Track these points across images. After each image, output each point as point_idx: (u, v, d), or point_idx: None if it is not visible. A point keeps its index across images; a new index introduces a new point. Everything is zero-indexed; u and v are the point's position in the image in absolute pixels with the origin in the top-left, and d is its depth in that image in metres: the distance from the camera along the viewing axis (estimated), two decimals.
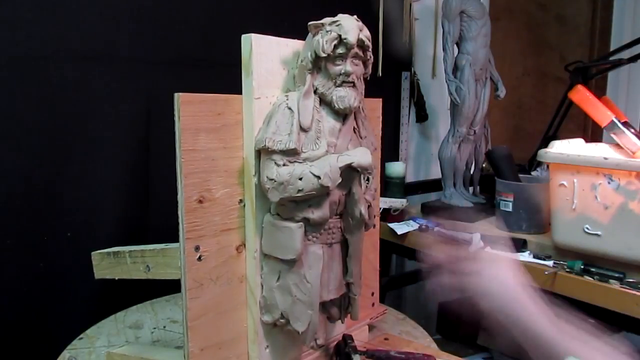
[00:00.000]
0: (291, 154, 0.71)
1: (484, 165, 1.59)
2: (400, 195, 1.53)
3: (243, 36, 0.73)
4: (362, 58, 0.75)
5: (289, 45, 0.78)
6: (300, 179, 0.69)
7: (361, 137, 0.79)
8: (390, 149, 1.87)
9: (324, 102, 0.75)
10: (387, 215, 1.47)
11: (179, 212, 0.70)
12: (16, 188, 1.14)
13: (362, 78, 0.77)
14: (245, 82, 0.74)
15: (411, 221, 1.46)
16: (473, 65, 1.42)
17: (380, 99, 1.00)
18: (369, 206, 0.79)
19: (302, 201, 0.72)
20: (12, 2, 1.10)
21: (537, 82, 2.44)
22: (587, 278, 1.06)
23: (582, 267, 1.07)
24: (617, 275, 1.03)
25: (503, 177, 1.36)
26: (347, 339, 0.88)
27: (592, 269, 1.06)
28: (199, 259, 0.72)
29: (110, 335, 1.04)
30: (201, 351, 0.73)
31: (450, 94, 1.43)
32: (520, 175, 1.40)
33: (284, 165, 0.71)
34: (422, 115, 1.94)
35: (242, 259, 0.78)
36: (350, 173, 0.72)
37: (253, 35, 0.73)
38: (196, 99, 0.70)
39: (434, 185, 1.76)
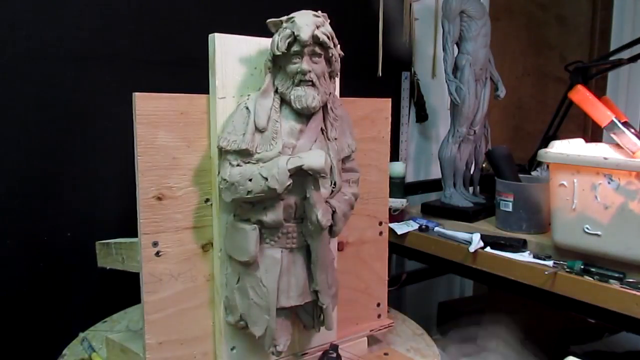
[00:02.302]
0: (244, 154, 0.70)
1: (484, 165, 1.59)
2: (400, 195, 1.53)
3: (209, 36, 0.73)
4: (323, 55, 0.71)
5: (262, 44, 0.77)
6: (250, 180, 0.68)
7: (329, 139, 0.75)
8: (390, 149, 1.87)
9: (285, 101, 0.72)
10: (388, 215, 1.46)
11: (137, 208, 0.71)
12: (16, 188, 1.14)
13: (326, 76, 0.73)
14: (210, 82, 0.74)
15: (411, 221, 1.46)
16: (473, 65, 1.42)
17: (389, 99, 0.98)
18: (334, 212, 0.75)
19: (257, 203, 0.70)
20: (12, 2, 1.10)
21: (537, 82, 2.44)
22: (587, 278, 1.06)
23: (582, 267, 1.07)
24: (617, 275, 1.03)
25: (503, 177, 1.36)
26: (331, 349, 0.85)
27: (592, 269, 1.06)
28: (157, 254, 0.73)
29: (131, 322, 1.05)
30: (159, 344, 0.74)
31: (450, 94, 1.43)
32: (520, 175, 1.40)
33: (237, 165, 0.70)
34: (422, 115, 1.94)
35: (209, 258, 0.78)
36: (304, 176, 0.69)
37: (217, 35, 0.73)
38: (154, 98, 0.71)
39: (434, 185, 1.76)
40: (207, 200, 0.76)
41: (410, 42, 1.85)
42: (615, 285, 1.02)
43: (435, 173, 1.85)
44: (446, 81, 1.44)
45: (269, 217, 0.70)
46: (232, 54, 0.74)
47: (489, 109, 1.52)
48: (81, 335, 1.00)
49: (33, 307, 1.18)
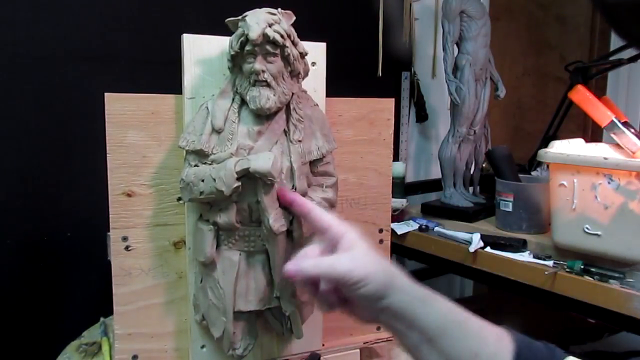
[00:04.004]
0: (201, 154, 0.69)
1: (484, 165, 1.59)
2: (400, 195, 1.53)
3: (181, 36, 0.75)
4: (278, 54, 0.68)
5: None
6: (202, 181, 0.67)
7: (292, 141, 0.72)
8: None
9: (245, 102, 0.71)
10: (389, 222, 1.46)
11: (109, 203, 0.74)
12: (16, 188, 1.14)
13: (284, 76, 0.70)
14: (182, 82, 0.75)
15: (411, 221, 1.46)
16: (473, 65, 1.42)
17: (392, 99, 0.94)
18: (293, 218, 0.71)
19: (214, 204, 0.70)
20: (12, 2, 1.10)
21: (537, 82, 2.44)
22: (587, 278, 1.06)
23: (582, 267, 1.07)
24: (617, 275, 1.03)
25: (503, 177, 1.36)
26: (311, 358, 0.83)
27: (592, 269, 1.06)
28: (127, 248, 0.75)
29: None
30: (128, 335, 0.77)
31: (450, 94, 1.43)
32: (520, 175, 1.40)
33: (195, 166, 0.70)
34: (422, 115, 1.94)
35: (182, 255, 0.79)
36: (255, 179, 0.67)
37: (186, 35, 0.74)
38: (124, 98, 0.73)
39: (434, 185, 1.76)
40: (180, 199, 0.77)
41: (410, 42, 1.85)
42: (615, 285, 1.02)
43: (435, 173, 1.85)
44: (446, 81, 1.44)
45: (222, 219, 0.70)
46: (201, 54, 0.75)
47: (489, 109, 1.52)
48: (102, 319, 1.02)
49: (33, 307, 1.18)
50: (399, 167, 1.57)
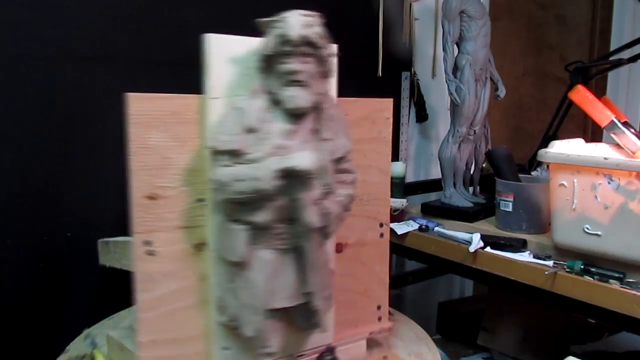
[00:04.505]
0: (235, 154, 0.69)
1: (484, 165, 1.59)
2: (400, 195, 1.53)
3: (202, 36, 0.73)
4: (314, 55, 0.71)
5: (254, 44, 0.76)
6: (240, 181, 0.68)
7: (322, 140, 0.74)
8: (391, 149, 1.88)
9: (276, 102, 0.72)
10: (389, 216, 1.47)
11: (131, 207, 0.72)
12: (16, 188, 1.14)
13: (317, 77, 0.72)
14: (204, 82, 0.74)
15: (411, 221, 1.46)
16: (473, 65, 1.42)
17: (391, 99, 0.97)
18: (327, 214, 0.73)
19: (247, 204, 0.70)
20: (12, 2, 1.10)
21: (537, 82, 2.44)
22: (587, 278, 1.06)
23: (582, 267, 1.07)
24: (617, 275, 1.03)
25: (503, 177, 1.36)
26: (327, 351, 0.84)
27: (592, 269, 1.06)
28: (150, 253, 0.73)
29: (135, 319, 1.04)
30: (153, 343, 0.74)
31: (450, 94, 1.43)
32: (520, 175, 1.40)
33: (228, 166, 0.70)
34: (422, 115, 1.94)
35: (203, 258, 0.78)
36: (294, 177, 0.69)
37: (210, 35, 0.73)
38: (147, 98, 0.71)
39: (434, 185, 1.76)
40: (201, 200, 0.77)
41: (410, 42, 1.85)
42: (615, 285, 1.02)
43: (435, 173, 1.85)
44: (446, 81, 1.44)
45: (259, 217, 0.70)
46: (225, 54, 0.74)
47: (489, 109, 1.52)
48: (85, 331, 1.01)
49: (33, 307, 1.18)
50: (399, 167, 1.57)
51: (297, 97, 0.70)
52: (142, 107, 0.71)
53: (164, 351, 0.76)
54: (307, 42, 0.69)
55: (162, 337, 0.76)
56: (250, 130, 0.70)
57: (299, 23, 0.68)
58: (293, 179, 0.69)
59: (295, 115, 0.72)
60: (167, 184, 0.74)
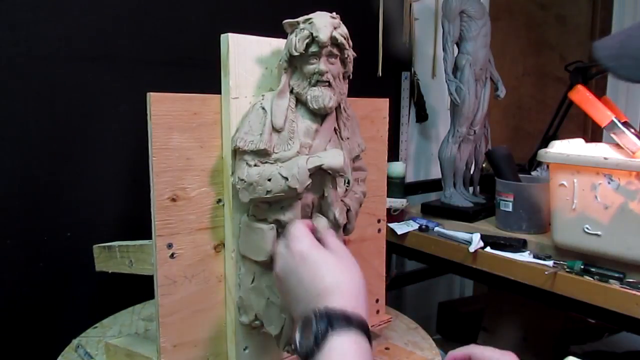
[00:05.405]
0: (262, 154, 0.70)
1: (484, 165, 1.59)
2: (400, 195, 1.53)
3: (222, 36, 0.73)
4: (339, 56, 0.72)
5: (272, 44, 0.77)
6: (269, 180, 0.68)
7: (342, 139, 0.76)
8: (390, 149, 1.87)
9: (300, 102, 0.73)
10: (387, 215, 1.46)
11: (152, 210, 0.71)
12: (16, 188, 1.14)
13: (341, 77, 0.74)
14: (223, 82, 0.74)
15: (411, 221, 1.46)
16: (473, 65, 1.42)
17: (387, 99, 0.98)
18: (348, 210, 0.76)
19: (274, 203, 0.71)
20: (12, 2, 1.10)
21: (537, 82, 2.45)
22: (587, 278, 1.06)
23: (582, 267, 1.07)
24: (617, 275, 1.03)
25: (503, 177, 1.36)
26: None
27: (592, 269, 1.06)
28: (172, 256, 0.72)
29: (122, 326, 1.04)
30: (174, 347, 0.74)
31: (450, 94, 1.43)
32: (520, 175, 1.40)
33: (255, 165, 0.70)
34: (422, 115, 1.94)
35: (220, 259, 0.78)
36: (322, 175, 0.70)
37: (230, 35, 0.73)
38: (168, 98, 0.71)
39: (434, 185, 1.76)
40: (219, 200, 0.76)
41: (410, 42, 1.85)
42: (615, 285, 1.02)
43: (435, 173, 1.85)
44: (446, 81, 1.44)
45: (286, 216, 0.71)
46: (245, 54, 0.74)
47: (489, 109, 1.52)
48: (74, 342, 0.99)
49: (33, 307, 1.18)
50: (399, 167, 1.57)
51: (323, 96, 0.71)
52: (164, 108, 0.70)
53: (185, 354, 0.75)
54: (335, 43, 0.70)
55: (183, 340, 0.75)
56: (277, 130, 0.71)
57: (327, 24, 0.69)
58: (322, 177, 0.70)
59: (319, 115, 0.73)
60: (188, 185, 0.73)
